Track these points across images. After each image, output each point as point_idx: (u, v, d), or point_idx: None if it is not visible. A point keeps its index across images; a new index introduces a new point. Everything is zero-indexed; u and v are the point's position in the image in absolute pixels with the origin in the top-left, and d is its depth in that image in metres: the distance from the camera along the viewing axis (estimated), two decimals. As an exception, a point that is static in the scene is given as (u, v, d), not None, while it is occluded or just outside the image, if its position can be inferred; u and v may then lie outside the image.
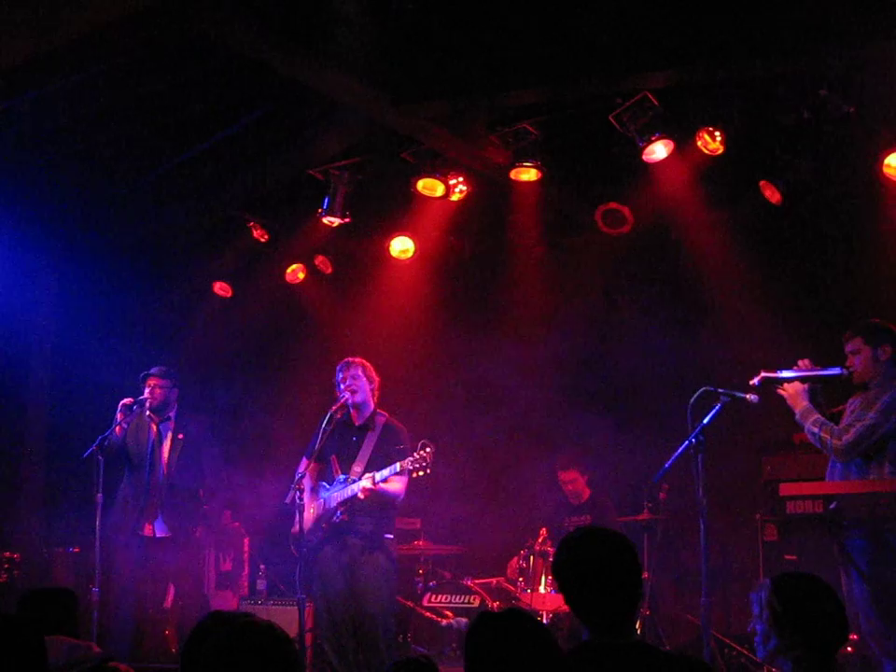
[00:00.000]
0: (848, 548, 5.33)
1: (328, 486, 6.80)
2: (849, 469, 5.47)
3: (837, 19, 5.85)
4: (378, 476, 6.48)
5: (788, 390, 5.60)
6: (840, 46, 6.10)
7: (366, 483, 6.49)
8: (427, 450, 6.39)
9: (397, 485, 6.61)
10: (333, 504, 6.69)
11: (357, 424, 6.89)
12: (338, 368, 6.91)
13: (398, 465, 6.46)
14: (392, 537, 6.81)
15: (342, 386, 6.83)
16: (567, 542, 3.40)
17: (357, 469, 6.69)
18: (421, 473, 6.41)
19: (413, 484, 6.69)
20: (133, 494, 7.38)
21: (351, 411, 6.91)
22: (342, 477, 6.72)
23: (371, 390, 6.91)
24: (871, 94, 6.55)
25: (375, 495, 6.53)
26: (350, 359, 6.93)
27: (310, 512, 6.77)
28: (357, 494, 6.52)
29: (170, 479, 7.41)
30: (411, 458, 6.42)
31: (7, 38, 5.73)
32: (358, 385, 6.82)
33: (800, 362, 5.66)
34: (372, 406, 6.93)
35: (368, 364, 6.94)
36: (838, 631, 3.42)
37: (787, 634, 3.40)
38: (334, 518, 6.67)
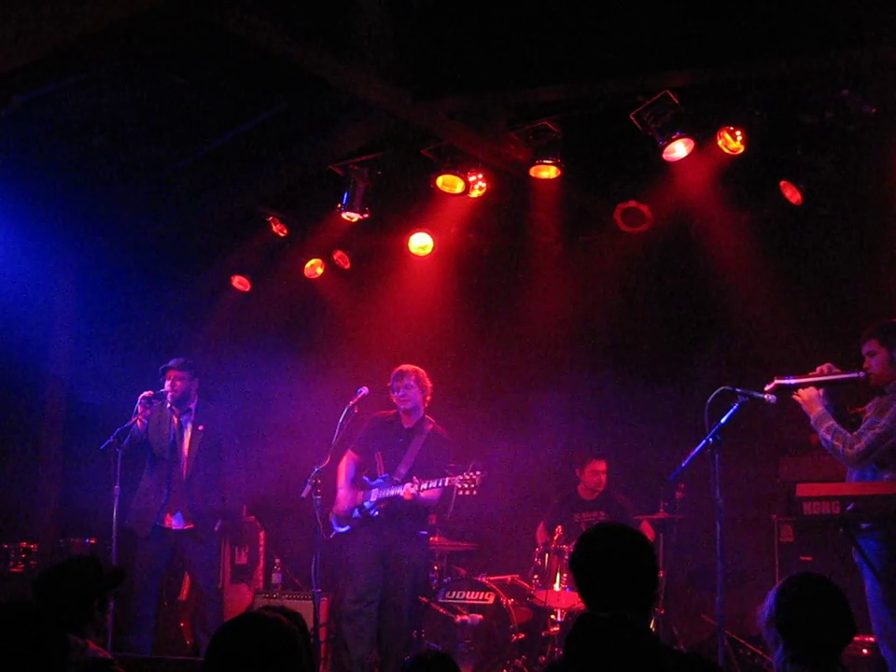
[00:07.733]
0: (864, 549, 5.30)
1: (370, 481, 7.02)
2: (864, 476, 5.42)
3: (860, 19, 5.82)
4: (425, 486, 6.70)
5: (802, 396, 5.54)
6: (863, 46, 6.07)
7: (411, 488, 6.70)
8: (478, 473, 6.59)
9: (433, 491, 6.82)
10: (373, 499, 6.91)
11: (406, 427, 7.10)
12: (392, 375, 7.08)
13: (446, 480, 6.66)
14: (426, 533, 7.10)
15: (394, 394, 7.02)
16: (585, 538, 3.40)
17: (401, 470, 6.92)
18: (468, 493, 6.60)
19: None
20: (154, 486, 7.43)
21: (401, 414, 7.10)
22: (384, 475, 6.96)
23: (423, 397, 7.09)
24: (893, 95, 6.51)
25: (415, 499, 6.75)
26: (403, 368, 7.10)
27: (346, 501, 7.00)
28: (399, 495, 6.75)
29: (191, 471, 7.45)
30: (460, 477, 6.62)
31: (28, 31, 5.75)
32: (411, 395, 7.02)
33: (819, 368, 5.60)
34: (422, 411, 7.13)
35: (421, 371, 7.12)
36: (836, 635, 3.36)
37: (776, 635, 3.39)
38: (371, 512, 6.90)
